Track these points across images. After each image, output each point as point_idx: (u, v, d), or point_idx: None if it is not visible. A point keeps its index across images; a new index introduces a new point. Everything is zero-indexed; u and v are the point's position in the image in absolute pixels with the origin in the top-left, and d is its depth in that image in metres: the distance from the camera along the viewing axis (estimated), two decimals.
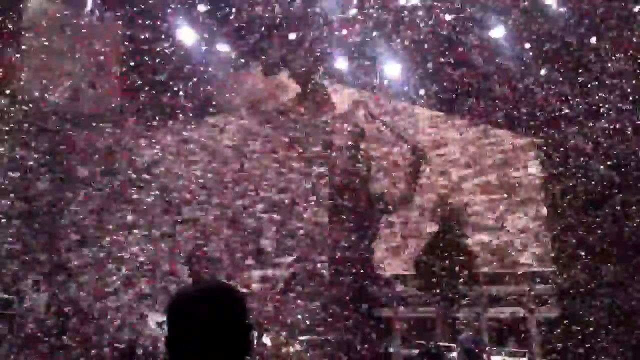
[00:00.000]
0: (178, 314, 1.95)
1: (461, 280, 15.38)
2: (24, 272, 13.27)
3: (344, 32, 14.90)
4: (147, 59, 15.17)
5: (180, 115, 15.82)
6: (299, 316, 15.02)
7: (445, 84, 15.17)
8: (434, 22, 14.40)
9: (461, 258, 15.58)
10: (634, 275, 12.97)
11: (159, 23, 15.03)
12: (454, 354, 12.63)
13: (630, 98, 13.22)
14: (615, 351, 12.64)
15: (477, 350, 11.21)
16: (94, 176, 14.64)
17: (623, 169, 13.13)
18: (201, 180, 15.56)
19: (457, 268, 15.45)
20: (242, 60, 16.35)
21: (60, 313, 13.09)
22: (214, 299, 1.96)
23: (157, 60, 15.22)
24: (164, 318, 2.00)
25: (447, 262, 15.59)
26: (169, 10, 14.85)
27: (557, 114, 14.11)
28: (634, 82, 13.02)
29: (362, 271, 15.95)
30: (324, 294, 15.59)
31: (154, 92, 15.42)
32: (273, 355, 13.61)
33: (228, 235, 15.46)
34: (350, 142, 16.62)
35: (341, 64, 15.88)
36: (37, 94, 14.28)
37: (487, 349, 11.25)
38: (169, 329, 1.94)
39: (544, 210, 15.34)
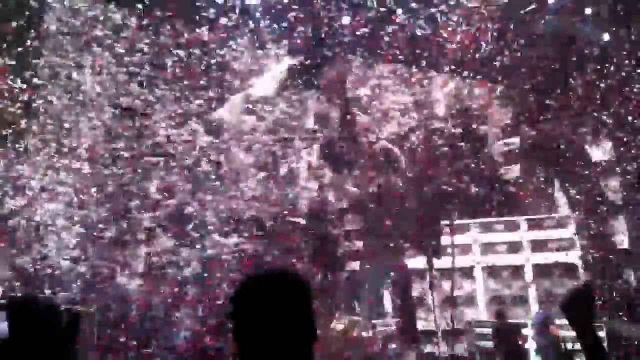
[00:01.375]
0: (243, 303, 1.95)
1: None
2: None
3: None
4: None
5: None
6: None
7: None
8: None
9: None
10: None
11: None
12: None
13: None
14: None
15: (548, 326, 10.94)
16: None
17: None
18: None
19: None
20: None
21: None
22: (279, 286, 1.95)
23: None
24: None
25: None
26: None
27: None
28: None
29: None
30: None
31: None
32: (341, 340, 13.62)
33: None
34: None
35: None
36: None
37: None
38: (235, 319, 1.95)
39: None
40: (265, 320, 1.89)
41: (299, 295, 1.96)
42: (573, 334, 2.59)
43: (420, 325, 14.20)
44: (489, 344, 13.10)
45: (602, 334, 12.00)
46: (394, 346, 13.80)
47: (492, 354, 12.93)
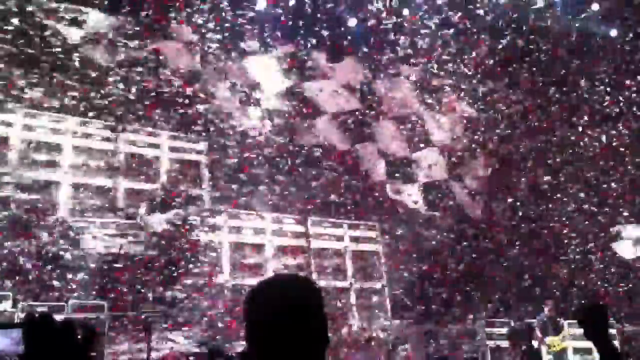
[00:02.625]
0: (256, 307, 1.97)
1: None
2: None
3: None
4: None
5: None
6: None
7: None
8: None
9: None
10: None
11: None
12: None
13: None
14: None
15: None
16: None
17: None
18: None
19: None
20: None
21: None
22: (291, 290, 1.98)
23: None
24: None
25: None
26: None
27: None
28: None
29: None
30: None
31: None
32: (354, 341, 13.62)
33: None
34: None
35: None
36: None
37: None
38: (248, 322, 1.97)
39: None
40: (279, 324, 1.91)
41: (311, 300, 1.98)
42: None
43: None
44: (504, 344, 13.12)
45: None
46: None
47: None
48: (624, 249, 15.27)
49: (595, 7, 15.76)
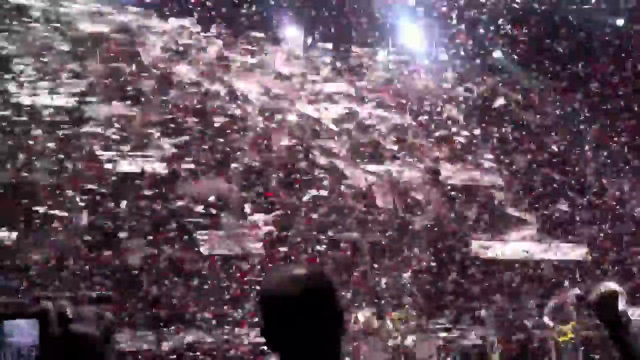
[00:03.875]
0: (271, 301, 1.94)
1: None
2: None
3: None
4: None
5: None
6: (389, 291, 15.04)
7: None
8: None
9: None
10: None
11: None
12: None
13: None
14: None
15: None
16: None
17: None
18: None
19: None
20: None
21: None
22: (306, 283, 1.94)
23: None
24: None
25: None
26: None
27: None
28: None
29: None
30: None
31: None
32: (364, 332, 13.64)
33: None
34: None
35: None
36: None
37: None
38: (264, 317, 1.93)
39: None
40: (295, 314, 1.90)
41: (327, 290, 1.96)
42: None
43: None
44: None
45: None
46: None
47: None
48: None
49: None
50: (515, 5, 15.51)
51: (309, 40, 17.86)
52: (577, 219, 17.05)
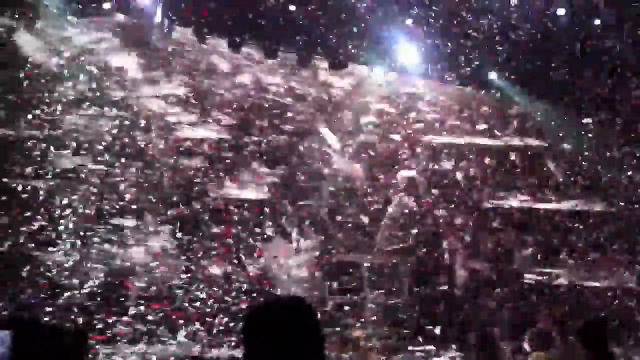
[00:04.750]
0: (255, 330, 1.96)
1: None
2: None
3: None
4: None
5: None
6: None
7: None
8: None
9: None
10: None
11: None
12: None
13: None
14: None
15: None
16: None
17: None
18: None
19: None
20: None
21: None
22: (289, 312, 1.98)
23: None
24: None
25: None
26: None
27: None
28: None
29: None
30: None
31: None
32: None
33: None
34: None
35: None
36: None
37: None
38: (246, 345, 1.95)
39: None
40: (277, 346, 1.91)
41: (309, 322, 1.98)
42: None
43: None
44: None
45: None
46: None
47: None
48: None
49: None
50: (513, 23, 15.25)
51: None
52: None
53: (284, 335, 1.92)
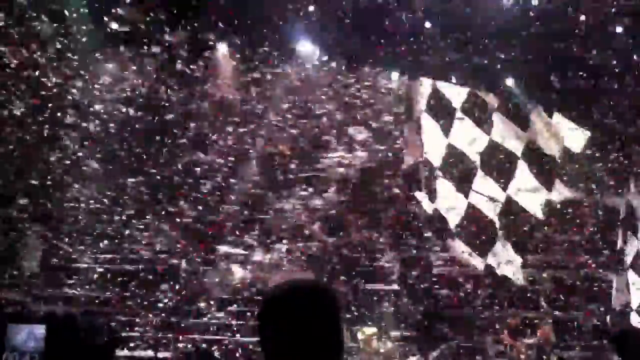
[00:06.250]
0: (272, 314, 1.93)
1: None
2: None
3: None
4: None
5: None
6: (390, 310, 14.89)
7: None
8: None
9: None
10: None
11: None
12: None
13: None
14: None
15: None
16: None
17: None
18: None
19: None
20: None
21: None
22: (308, 297, 1.94)
23: None
24: None
25: None
26: None
27: None
28: None
29: None
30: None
31: None
32: (363, 350, 13.56)
33: None
34: None
35: None
36: None
37: None
38: (263, 330, 1.92)
39: None
40: (295, 332, 1.88)
41: (329, 307, 1.95)
42: None
43: None
44: None
45: None
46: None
47: None
48: None
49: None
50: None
51: None
52: None
53: (301, 321, 1.87)
